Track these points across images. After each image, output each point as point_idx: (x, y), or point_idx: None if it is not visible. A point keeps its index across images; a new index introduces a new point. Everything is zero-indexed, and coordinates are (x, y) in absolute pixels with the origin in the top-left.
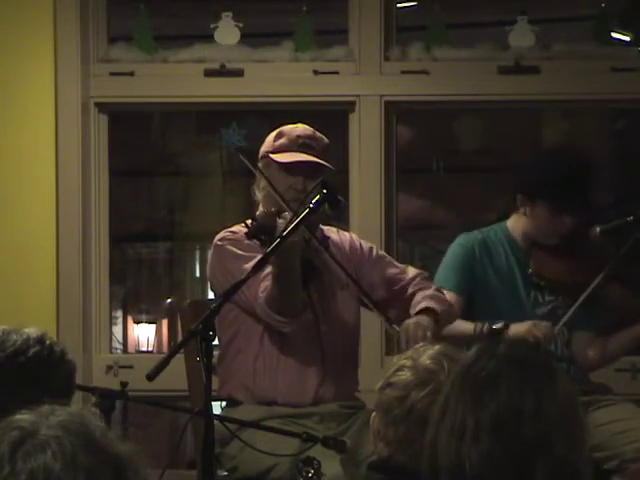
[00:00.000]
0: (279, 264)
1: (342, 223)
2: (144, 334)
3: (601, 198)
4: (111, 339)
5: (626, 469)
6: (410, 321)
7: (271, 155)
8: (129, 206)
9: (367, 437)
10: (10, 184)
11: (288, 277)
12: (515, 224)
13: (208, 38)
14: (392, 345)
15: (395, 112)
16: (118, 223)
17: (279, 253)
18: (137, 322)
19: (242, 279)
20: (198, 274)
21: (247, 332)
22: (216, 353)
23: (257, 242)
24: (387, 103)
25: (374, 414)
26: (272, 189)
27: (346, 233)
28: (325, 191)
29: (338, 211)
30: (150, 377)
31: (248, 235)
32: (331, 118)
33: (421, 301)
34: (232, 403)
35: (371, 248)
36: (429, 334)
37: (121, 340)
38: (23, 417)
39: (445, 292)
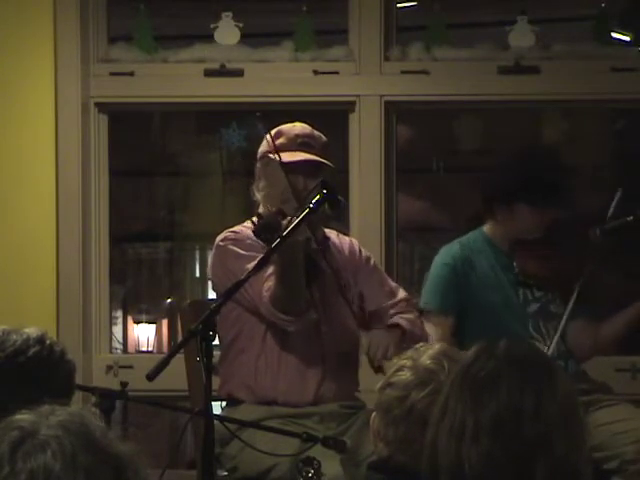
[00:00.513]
0: (283, 262)
1: (342, 223)
2: (144, 334)
3: (570, 185)
4: (111, 339)
5: (626, 470)
6: (377, 330)
7: (270, 155)
8: (129, 206)
9: (367, 437)
10: (10, 184)
11: (292, 275)
12: (493, 229)
13: (208, 38)
14: None
15: (395, 112)
16: (118, 223)
17: (283, 251)
18: (137, 322)
19: (243, 278)
20: (198, 274)
21: (250, 332)
22: (217, 353)
23: (262, 241)
24: (387, 103)
25: (374, 414)
26: (287, 182)
27: (346, 237)
28: (325, 191)
29: (338, 211)
30: (150, 377)
31: (255, 232)
32: (331, 118)
33: (395, 318)
34: (232, 403)
35: (369, 258)
36: (392, 348)
37: (121, 340)
38: (23, 417)
39: (431, 314)
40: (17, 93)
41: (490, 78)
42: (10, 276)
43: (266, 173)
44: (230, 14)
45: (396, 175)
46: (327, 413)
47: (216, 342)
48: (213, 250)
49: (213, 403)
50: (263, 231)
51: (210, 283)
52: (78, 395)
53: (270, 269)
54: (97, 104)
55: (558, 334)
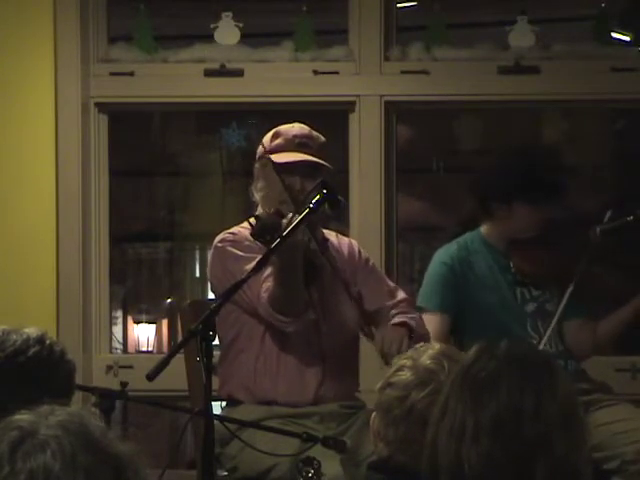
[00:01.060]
0: (282, 264)
1: (342, 223)
2: (144, 334)
3: (566, 182)
4: (111, 339)
5: (626, 470)
6: (389, 326)
7: (268, 156)
8: (129, 206)
9: (367, 437)
10: (10, 184)
11: (290, 277)
12: (490, 230)
13: (208, 38)
14: None
15: (395, 112)
16: (118, 223)
17: (281, 253)
18: (137, 322)
19: (242, 279)
20: (198, 274)
21: (249, 333)
22: (216, 353)
23: (260, 242)
24: (387, 103)
25: (374, 414)
26: (284, 188)
27: (345, 238)
28: (325, 191)
29: (338, 211)
30: (150, 377)
31: (253, 235)
32: (331, 118)
33: (400, 317)
34: (232, 403)
35: (367, 259)
36: (405, 341)
37: (121, 340)
38: (22, 417)
39: (429, 313)
40: (17, 93)
41: (490, 78)
42: (10, 276)
43: (264, 174)
44: (230, 14)
45: (396, 175)
46: (327, 413)
47: (216, 342)
48: (211, 251)
49: (213, 403)
50: (261, 233)
51: (209, 284)
52: (78, 395)
53: (268, 270)
54: (97, 104)
55: (550, 330)
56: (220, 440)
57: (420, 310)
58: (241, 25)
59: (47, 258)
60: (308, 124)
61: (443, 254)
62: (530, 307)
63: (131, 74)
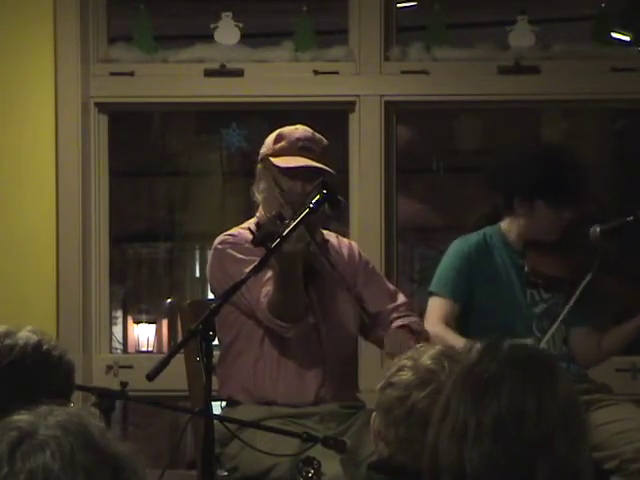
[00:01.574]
0: (282, 270)
1: (342, 223)
2: (144, 334)
3: (590, 191)
4: (111, 339)
5: (626, 469)
6: (397, 330)
7: (271, 159)
8: (129, 206)
9: (367, 437)
10: (10, 184)
11: (290, 283)
12: (509, 226)
13: (208, 38)
14: None
15: (395, 112)
16: (118, 223)
17: (282, 260)
18: (137, 322)
19: (242, 279)
20: (198, 274)
21: (248, 335)
22: (216, 353)
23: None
24: (387, 103)
25: (374, 414)
26: (279, 194)
27: (345, 240)
28: (325, 191)
29: (338, 211)
30: (150, 377)
31: (254, 243)
32: (331, 118)
33: (402, 320)
34: (232, 403)
35: (367, 262)
36: (412, 345)
37: (121, 340)
38: (21, 417)
39: (439, 298)
40: (17, 93)
41: (490, 78)
42: (10, 276)
43: (266, 175)
44: (230, 14)
45: (396, 175)
46: (327, 413)
47: (216, 342)
48: (211, 253)
49: (213, 403)
50: (263, 240)
51: (209, 286)
52: (78, 395)
53: (268, 273)
54: (97, 104)
55: (552, 329)
56: (220, 440)
57: (431, 294)
58: (241, 25)
59: (47, 258)
60: (309, 124)
61: (462, 243)
62: (539, 309)
63: (131, 74)
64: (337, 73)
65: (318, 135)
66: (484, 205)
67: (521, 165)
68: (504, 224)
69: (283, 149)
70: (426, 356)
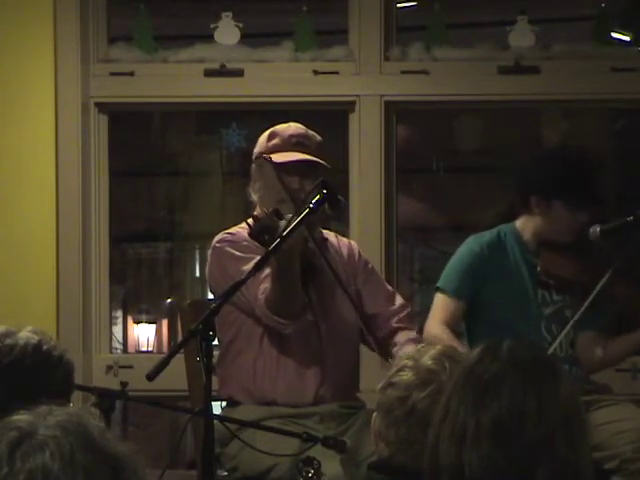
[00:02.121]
0: (279, 266)
1: (342, 223)
2: (144, 334)
3: (606, 194)
4: (111, 339)
5: (626, 469)
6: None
7: (265, 156)
8: (129, 206)
9: (367, 437)
10: (10, 184)
11: (288, 279)
12: (525, 225)
13: (208, 38)
14: None
15: (395, 112)
16: (118, 223)
17: (279, 255)
18: (137, 322)
19: (242, 279)
20: (198, 274)
21: (247, 334)
22: (216, 353)
23: (259, 243)
24: (387, 103)
25: (375, 414)
26: (282, 186)
27: (345, 239)
28: (325, 191)
29: (338, 211)
30: (150, 377)
31: (251, 235)
32: (331, 118)
33: (404, 344)
34: (232, 403)
35: (367, 262)
36: None
37: (121, 340)
38: (21, 417)
39: (445, 295)
40: (17, 93)
41: (490, 78)
42: (10, 276)
43: (261, 174)
44: (230, 14)
45: (396, 175)
46: (327, 413)
47: (216, 342)
48: (210, 252)
49: (213, 403)
50: (260, 233)
51: (208, 285)
52: (78, 395)
53: (266, 271)
54: (97, 104)
55: (562, 334)
56: (220, 440)
57: (438, 290)
58: (241, 25)
59: (47, 258)
60: (308, 124)
61: (475, 241)
62: (548, 310)
63: (131, 74)
64: (337, 73)
65: (311, 131)
66: (485, 205)
67: (541, 164)
68: (519, 222)
69: (277, 146)
70: (427, 356)
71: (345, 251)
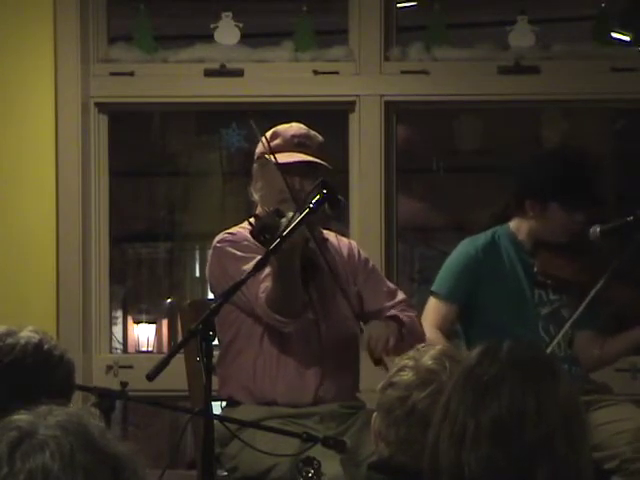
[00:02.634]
0: (280, 265)
1: (342, 223)
2: (144, 334)
3: (605, 195)
4: (111, 339)
5: (626, 469)
6: (376, 322)
7: (266, 156)
8: (129, 206)
9: (367, 437)
10: (10, 184)
11: (288, 277)
12: (519, 226)
13: (208, 38)
14: None
15: (395, 112)
16: (118, 223)
17: (280, 254)
18: (137, 322)
19: (242, 279)
20: (198, 274)
21: (247, 333)
22: (216, 353)
23: (260, 243)
24: (387, 103)
25: (375, 414)
26: (284, 183)
27: (345, 239)
28: (325, 191)
29: (338, 211)
30: (150, 377)
31: (252, 233)
32: (331, 118)
33: (394, 312)
34: (232, 403)
35: (367, 260)
36: (392, 339)
37: (121, 340)
38: (21, 417)
39: (439, 299)
40: (17, 93)
41: (490, 78)
42: (10, 276)
43: (263, 174)
44: (230, 14)
45: (396, 175)
46: (327, 413)
47: (216, 342)
48: (210, 252)
49: (213, 403)
50: (261, 232)
51: (208, 284)
52: (78, 395)
53: (267, 270)
54: (97, 104)
55: (561, 334)
56: (220, 440)
57: (432, 294)
58: (241, 25)
59: (47, 258)
60: (308, 124)
61: (469, 244)
62: (545, 310)
63: (131, 74)
64: (337, 73)
65: (313, 132)
66: (485, 205)
67: (537, 166)
68: (513, 224)
69: (279, 146)
70: (427, 356)
71: (345, 251)
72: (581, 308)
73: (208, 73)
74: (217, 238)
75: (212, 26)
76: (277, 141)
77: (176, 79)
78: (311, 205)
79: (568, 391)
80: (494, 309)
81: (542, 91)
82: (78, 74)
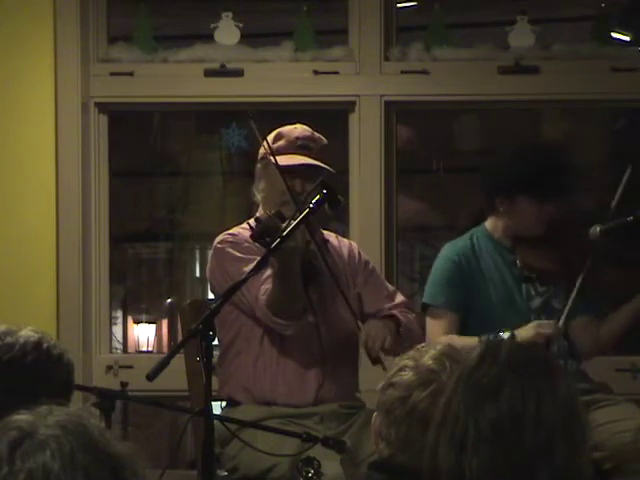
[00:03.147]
0: (280, 267)
1: (342, 223)
2: (144, 334)
3: (574, 183)
4: (111, 339)
5: (625, 469)
6: (374, 321)
7: (270, 157)
8: (129, 206)
9: (367, 437)
10: (10, 184)
11: (288, 280)
12: (494, 224)
13: (208, 38)
14: None
15: (395, 112)
16: (118, 223)
17: (280, 256)
18: (137, 322)
19: (242, 279)
20: (198, 274)
21: (247, 334)
22: (216, 353)
23: (261, 245)
24: (387, 103)
25: (375, 414)
26: (284, 185)
27: (345, 240)
28: (325, 191)
29: (338, 211)
30: (150, 377)
31: (253, 237)
32: (331, 118)
33: (392, 312)
34: (232, 403)
35: (367, 262)
36: (389, 338)
37: (121, 340)
38: (21, 417)
39: (435, 311)
40: (17, 93)
41: (490, 78)
42: (10, 276)
43: (265, 175)
44: (230, 14)
45: (396, 175)
46: (327, 413)
47: (216, 342)
48: (211, 252)
49: (213, 403)
50: (261, 235)
51: (209, 285)
52: (78, 395)
53: (268, 272)
54: (97, 104)
55: (564, 316)
56: (220, 440)
57: (426, 307)
58: (241, 25)
59: (47, 258)
60: (308, 124)
61: (450, 250)
62: (535, 303)
63: (131, 74)
64: (337, 73)
65: (317, 134)
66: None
67: (498, 164)
68: (488, 223)
69: (282, 148)
70: (427, 356)
71: (345, 252)
72: (573, 295)
73: (208, 73)
74: (218, 239)
75: (212, 26)
76: (280, 142)
77: (176, 79)
78: (311, 205)
79: (568, 393)
80: (485, 311)
81: (542, 91)
82: (78, 74)
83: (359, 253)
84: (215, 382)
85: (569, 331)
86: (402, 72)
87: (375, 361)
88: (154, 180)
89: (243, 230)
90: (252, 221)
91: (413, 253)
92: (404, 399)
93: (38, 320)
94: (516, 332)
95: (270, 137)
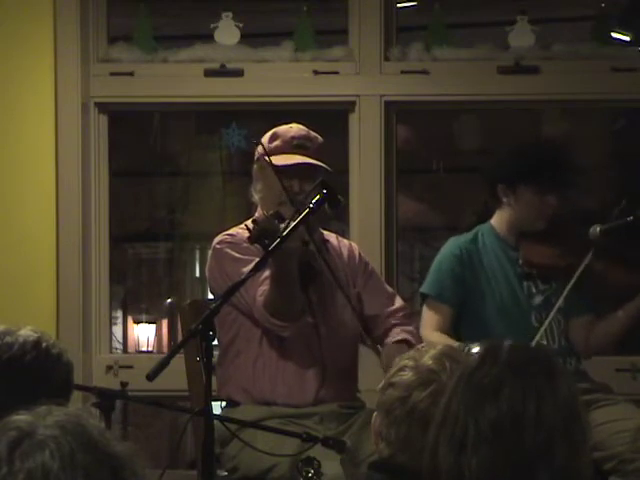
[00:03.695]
0: (278, 267)
1: (342, 223)
2: (144, 334)
3: (575, 179)
4: (111, 339)
5: (625, 469)
6: (393, 346)
7: (266, 157)
8: (129, 206)
9: (367, 437)
10: (10, 184)
11: (286, 282)
12: (499, 220)
13: (208, 38)
14: None
15: (395, 112)
16: (118, 223)
17: (278, 257)
18: (137, 322)
19: (242, 279)
20: (198, 274)
21: (246, 334)
22: (216, 353)
23: (260, 246)
24: (387, 103)
25: (375, 414)
26: (282, 189)
27: (345, 241)
28: (325, 191)
29: (338, 210)
30: (150, 377)
31: (251, 239)
32: (331, 118)
33: (400, 333)
34: (232, 404)
35: (367, 263)
36: None
37: (121, 340)
38: (20, 417)
39: (432, 302)
40: (17, 93)
41: (490, 78)
42: (10, 276)
43: (262, 175)
44: (230, 14)
45: (396, 175)
46: (327, 413)
47: (216, 342)
48: (210, 253)
49: (213, 403)
50: (259, 238)
51: (208, 286)
52: (78, 395)
53: (266, 272)
54: (97, 104)
55: (548, 320)
56: (220, 440)
57: (423, 297)
58: (241, 25)
59: (47, 258)
60: (308, 124)
61: (454, 244)
62: (537, 300)
63: (131, 74)
64: (337, 73)
65: (313, 133)
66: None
67: (501, 155)
68: (494, 220)
69: (278, 148)
70: (427, 356)
71: (345, 252)
72: (564, 293)
73: (208, 73)
74: (216, 239)
75: (212, 26)
76: (276, 142)
77: (176, 79)
78: (311, 205)
79: (568, 393)
80: (485, 307)
81: (542, 91)
82: (78, 74)
83: (359, 254)
84: (215, 382)
85: (570, 329)
86: (402, 72)
87: None
88: (154, 180)
89: (242, 231)
90: (249, 222)
91: (413, 253)
92: (404, 399)
93: (38, 320)
94: None
95: (266, 137)
